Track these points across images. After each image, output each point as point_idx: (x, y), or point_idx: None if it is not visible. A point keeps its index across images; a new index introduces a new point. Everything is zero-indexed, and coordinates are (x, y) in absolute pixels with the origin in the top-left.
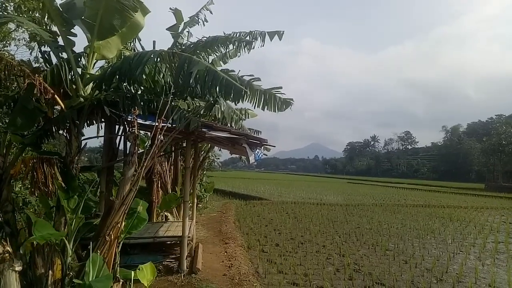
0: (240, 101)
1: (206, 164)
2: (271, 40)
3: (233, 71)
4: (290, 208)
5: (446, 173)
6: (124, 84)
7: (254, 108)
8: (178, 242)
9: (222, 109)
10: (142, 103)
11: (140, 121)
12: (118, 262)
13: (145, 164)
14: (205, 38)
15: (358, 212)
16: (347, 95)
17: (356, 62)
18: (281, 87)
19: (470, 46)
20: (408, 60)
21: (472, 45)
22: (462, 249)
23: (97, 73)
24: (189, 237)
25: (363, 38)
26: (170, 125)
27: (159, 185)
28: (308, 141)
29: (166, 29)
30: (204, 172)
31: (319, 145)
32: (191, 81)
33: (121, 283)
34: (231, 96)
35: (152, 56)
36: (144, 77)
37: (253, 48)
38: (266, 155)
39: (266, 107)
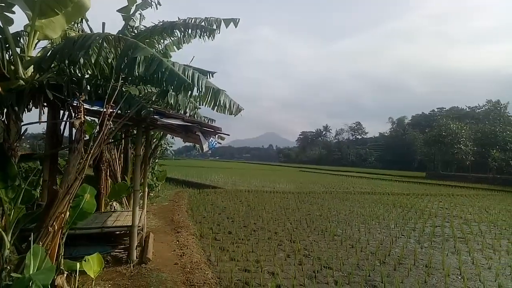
0: (184, 93)
1: (158, 152)
2: (226, 27)
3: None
4: (243, 196)
5: (391, 162)
6: (71, 67)
7: (204, 106)
8: (128, 232)
9: (177, 96)
10: (89, 87)
11: (87, 106)
12: (62, 254)
13: (92, 152)
14: (161, 23)
15: (309, 199)
16: (302, 85)
17: (311, 52)
18: (225, 91)
19: (415, 42)
20: (359, 52)
21: (418, 40)
22: (403, 233)
23: (38, 54)
24: (139, 226)
25: (318, 29)
26: (119, 112)
27: (108, 174)
28: (263, 130)
29: (117, 10)
30: (156, 161)
31: (274, 134)
32: (135, 67)
33: (65, 275)
34: (173, 88)
35: (97, 38)
36: (89, 60)
37: (213, 36)
38: (220, 143)
39: (216, 108)
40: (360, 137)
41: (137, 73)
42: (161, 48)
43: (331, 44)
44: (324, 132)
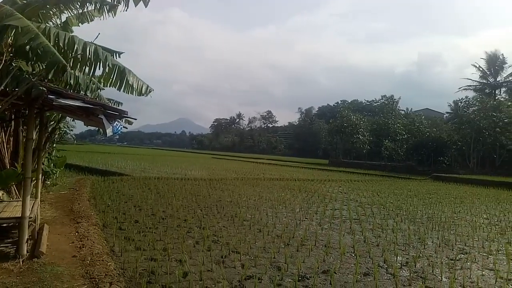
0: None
1: (56, 136)
2: (135, 5)
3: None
4: (153, 183)
5: (299, 150)
6: None
7: (108, 86)
8: (17, 224)
9: (77, 75)
10: None
11: None
12: None
13: None
14: None
15: (220, 186)
16: (215, 70)
17: (224, 38)
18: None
19: (322, 37)
20: (271, 43)
21: (324, 36)
22: (307, 216)
23: None
24: (31, 218)
25: (231, 16)
26: (6, 90)
27: None
28: (175, 116)
29: None
30: (54, 145)
31: (187, 120)
32: (2, 36)
33: None
34: (45, 66)
35: None
36: None
37: (114, 12)
38: (127, 128)
39: (123, 89)
40: (271, 125)
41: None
42: (60, 22)
43: (243, 32)
44: (237, 120)
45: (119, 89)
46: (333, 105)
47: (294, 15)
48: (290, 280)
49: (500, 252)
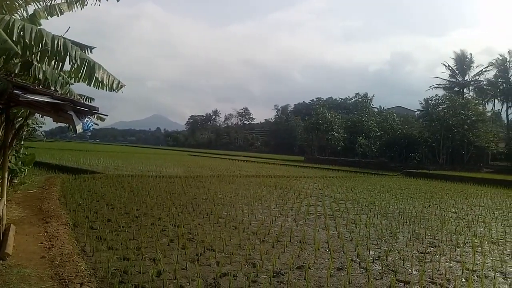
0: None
1: (24, 133)
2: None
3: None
4: (126, 181)
5: (276, 147)
6: None
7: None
8: None
9: (44, 69)
10: None
11: None
12: None
13: None
14: None
15: (196, 183)
16: (190, 66)
17: (200, 34)
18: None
19: (299, 34)
20: (248, 39)
21: (301, 33)
22: (282, 212)
23: None
24: None
25: (208, 11)
26: None
27: None
28: (150, 112)
29: None
30: (22, 143)
31: (162, 116)
32: None
33: None
34: None
35: None
36: None
37: (82, 4)
38: (98, 124)
39: (93, 84)
40: (248, 122)
41: None
42: (26, 15)
43: (220, 28)
44: (213, 117)
45: (88, 84)
46: (309, 102)
47: (272, 11)
48: (265, 276)
49: (466, 244)
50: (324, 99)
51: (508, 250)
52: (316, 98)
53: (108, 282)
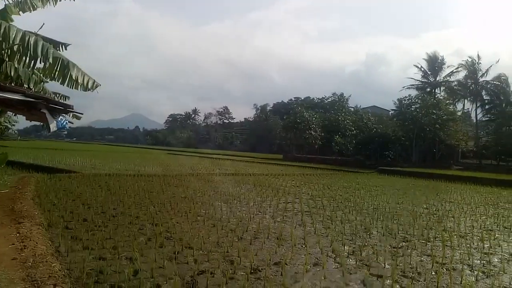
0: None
1: None
2: None
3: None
4: (103, 180)
5: (255, 145)
6: None
7: (51, 80)
8: None
9: (16, 67)
10: None
11: None
12: None
13: None
14: None
15: (175, 182)
16: (169, 66)
17: (178, 32)
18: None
19: (277, 34)
20: (227, 38)
21: (279, 33)
22: (260, 210)
23: None
24: None
25: (187, 9)
26: None
27: None
28: (128, 111)
29: None
30: None
31: (141, 115)
32: None
33: None
34: None
35: None
36: None
37: (60, 0)
38: (73, 123)
39: (67, 83)
40: (227, 121)
41: None
42: None
43: (198, 26)
44: (193, 115)
45: (62, 83)
46: (287, 101)
47: (251, 11)
48: (242, 273)
49: (437, 239)
50: (302, 98)
51: (475, 244)
52: (294, 97)
53: (83, 282)
